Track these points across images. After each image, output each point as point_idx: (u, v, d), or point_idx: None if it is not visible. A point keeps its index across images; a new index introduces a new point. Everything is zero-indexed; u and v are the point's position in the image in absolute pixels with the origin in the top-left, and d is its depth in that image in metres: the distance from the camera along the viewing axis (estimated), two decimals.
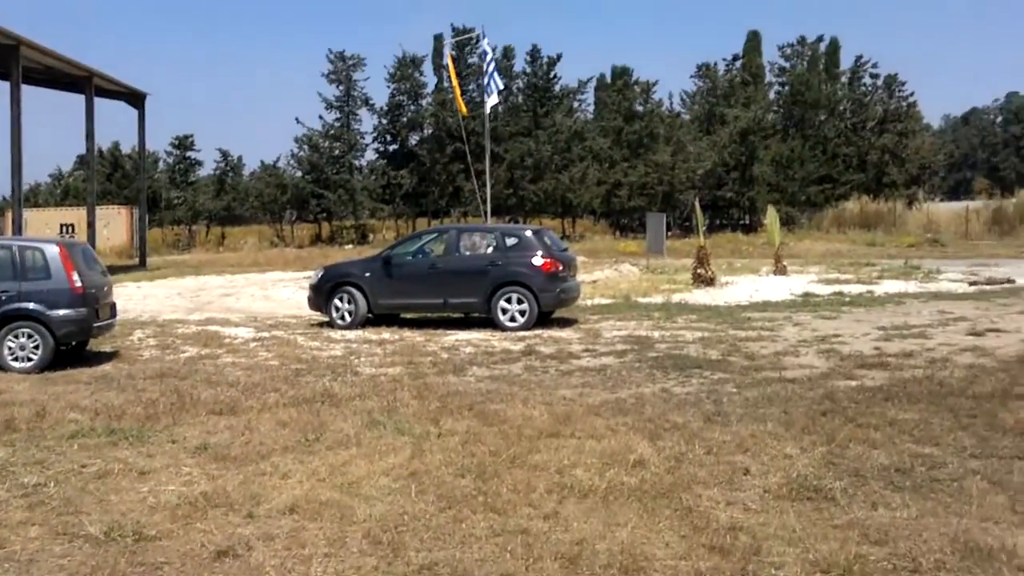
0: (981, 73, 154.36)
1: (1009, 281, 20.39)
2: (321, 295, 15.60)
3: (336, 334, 14.55)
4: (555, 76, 55.84)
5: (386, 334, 14.49)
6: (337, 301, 15.43)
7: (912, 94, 59.31)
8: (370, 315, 15.47)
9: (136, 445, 7.45)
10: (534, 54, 55.63)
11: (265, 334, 14.63)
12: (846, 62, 60.14)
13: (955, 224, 41.13)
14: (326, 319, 15.74)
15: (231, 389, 9.67)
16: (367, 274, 15.41)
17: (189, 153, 57.05)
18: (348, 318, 15.34)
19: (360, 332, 14.74)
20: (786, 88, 58.01)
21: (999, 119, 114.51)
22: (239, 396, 9.28)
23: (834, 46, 59.54)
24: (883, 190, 53.65)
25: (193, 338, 14.12)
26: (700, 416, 8.19)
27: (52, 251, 11.34)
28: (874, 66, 59.02)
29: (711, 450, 6.97)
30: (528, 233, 15.18)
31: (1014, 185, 63.44)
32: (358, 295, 15.27)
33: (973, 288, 19.50)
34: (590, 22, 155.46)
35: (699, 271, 21.84)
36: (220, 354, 12.45)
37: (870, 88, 59.53)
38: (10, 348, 11.19)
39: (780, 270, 24.27)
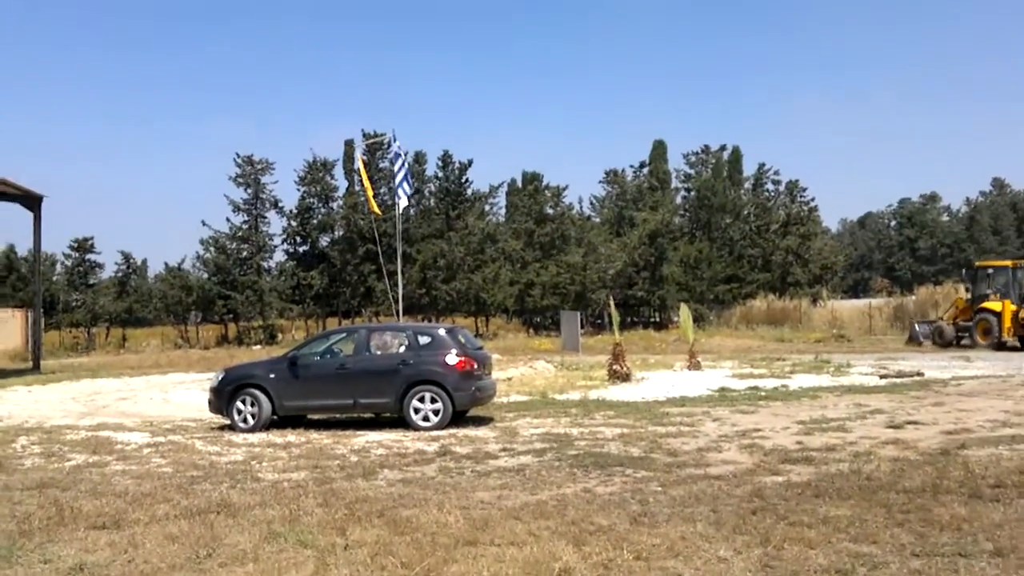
0: (875, 180, 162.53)
1: (919, 374, 20.68)
2: (222, 397, 14.91)
3: (238, 438, 13.84)
4: (467, 180, 56.63)
5: (292, 436, 13.77)
6: (239, 403, 14.75)
7: (813, 199, 61.84)
8: (275, 417, 14.81)
9: (3, 566, 6.62)
10: (446, 159, 56.43)
11: (161, 439, 13.82)
12: (749, 169, 62.78)
13: (859, 320, 42.10)
14: (227, 422, 15.04)
15: (118, 500, 8.89)
16: (272, 375, 14.81)
17: (89, 255, 55.47)
18: (251, 421, 14.67)
19: (264, 435, 14.03)
20: (692, 193, 59.82)
21: (893, 223, 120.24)
22: (125, 507, 8.49)
23: (736, 155, 62.33)
24: (788, 289, 55.01)
25: (82, 445, 13.20)
26: (626, 517, 7.73)
27: None
28: (776, 173, 62.11)
29: (641, 555, 6.50)
30: (442, 331, 14.95)
31: (911, 283, 66.29)
32: (262, 397, 14.65)
33: (884, 381, 19.59)
34: (501, 129, 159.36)
35: (615, 367, 21.70)
36: (109, 461, 11.61)
37: (773, 193, 62.09)
38: None
39: (694, 365, 24.28)
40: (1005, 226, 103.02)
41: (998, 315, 29.74)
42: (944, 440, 11.32)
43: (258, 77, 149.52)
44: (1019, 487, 8.37)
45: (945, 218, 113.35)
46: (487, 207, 59.19)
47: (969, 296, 32.43)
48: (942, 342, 31.94)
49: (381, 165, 54.22)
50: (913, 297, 45.68)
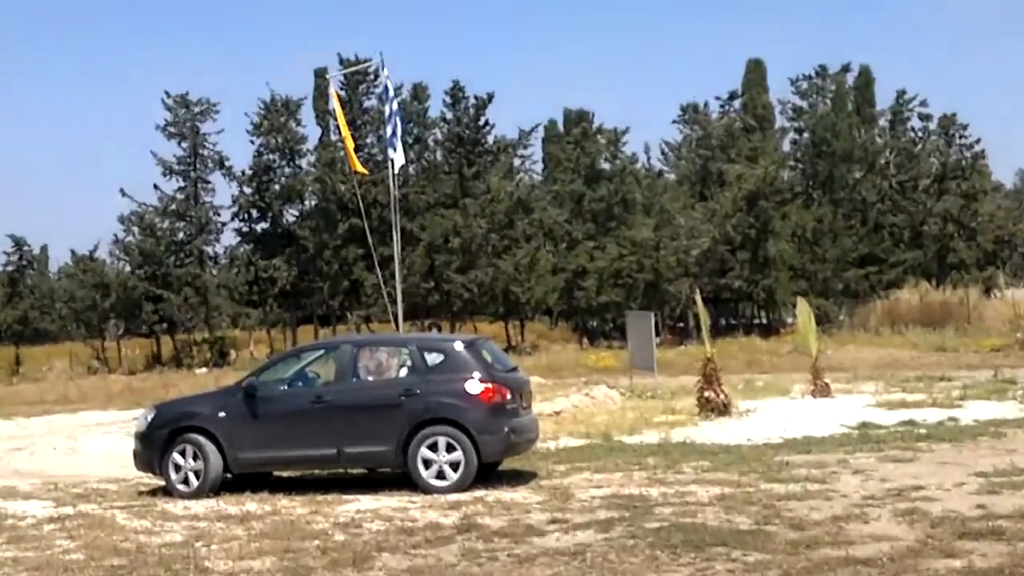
0: None
1: None
2: (153, 448, 14.84)
3: (176, 507, 13.75)
4: (487, 124, 56.80)
5: (251, 504, 13.65)
6: (177, 456, 14.65)
7: (978, 141, 60.66)
8: (228, 475, 14.74)
9: None
10: (456, 94, 56.52)
11: (68, 510, 13.72)
12: (883, 99, 62.11)
13: None
14: (162, 483, 15.03)
15: None
16: (221, 414, 14.69)
17: None
18: (194, 481, 14.59)
19: (212, 501, 13.96)
20: (805, 135, 59.79)
21: None
22: None
23: (866, 78, 61.60)
24: (949, 273, 54.99)
25: None
26: None
27: None
28: (923, 104, 60.91)
29: None
30: (458, 346, 14.87)
31: None
32: (208, 446, 14.51)
33: None
34: (532, 51, 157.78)
35: (707, 394, 21.47)
36: None
37: (920, 134, 61.57)
38: None
39: (821, 390, 24.04)
40: None
41: None
42: None
43: None
44: None
45: None
46: (517, 161, 59.43)
47: None
48: None
49: (366, 104, 54.87)
50: None
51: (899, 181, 59.01)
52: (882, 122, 62.11)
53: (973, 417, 19.19)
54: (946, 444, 16.14)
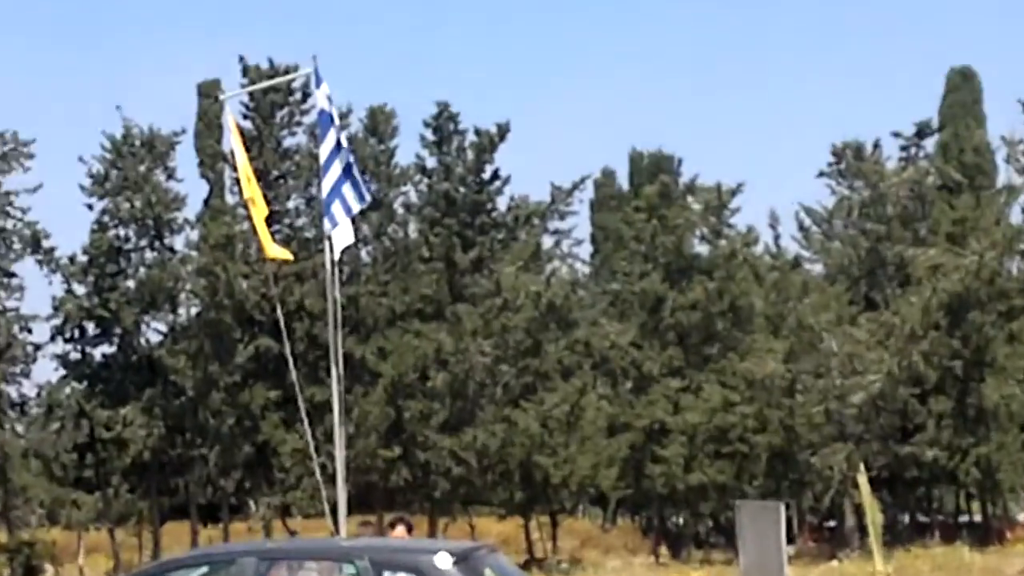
0: None
1: None
2: None
3: None
4: (496, 177, 53.70)
5: None
6: None
7: None
8: None
9: None
10: (442, 125, 53.68)
11: None
12: None
13: None
14: None
15: None
16: None
17: None
18: None
19: None
20: None
21: None
22: None
23: None
24: None
25: None
26: None
27: None
28: None
29: None
30: (442, 562, 11.49)
31: None
32: None
33: None
34: (570, 61, 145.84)
35: None
36: None
37: None
38: None
39: None
40: None
41: None
42: None
43: None
44: None
45: None
46: (547, 240, 55.38)
47: None
48: None
49: (287, 143, 51.85)
50: None
51: None
52: None
53: None
54: None
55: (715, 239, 51.32)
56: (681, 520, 52.42)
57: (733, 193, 52.05)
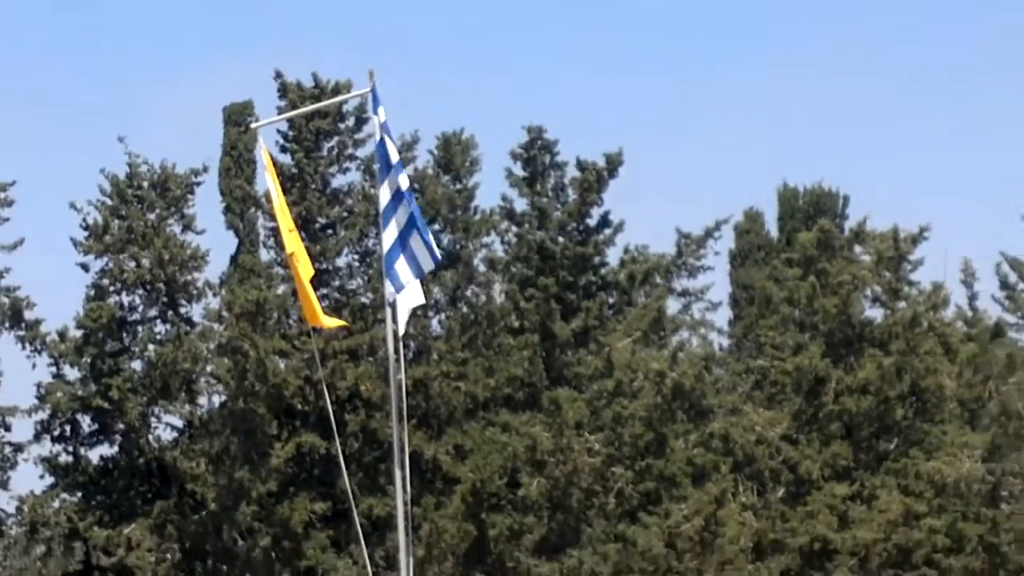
0: None
1: None
2: None
3: None
4: (606, 224, 43.74)
5: None
6: None
7: None
8: None
9: None
10: (535, 157, 43.79)
11: None
12: None
13: None
14: None
15: None
16: None
17: None
18: None
19: None
20: None
21: None
22: None
23: None
24: None
25: None
26: None
27: None
28: None
29: None
30: None
31: None
32: None
33: None
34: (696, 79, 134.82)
35: None
36: None
37: None
38: None
39: None
40: None
41: None
42: None
43: None
44: None
45: None
46: (673, 304, 46.05)
47: None
48: None
49: (335, 183, 43.67)
50: None
51: None
52: None
53: None
54: None
55: (892, 301, 41.03)
56: None
57: (915, 240, 41.06)
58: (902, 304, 41.21)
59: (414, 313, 23.82)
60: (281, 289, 41.65)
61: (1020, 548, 37.20)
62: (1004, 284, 45.35)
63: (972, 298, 44.42)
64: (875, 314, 42.37)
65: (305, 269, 18.29)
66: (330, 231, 43.30)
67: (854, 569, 37.71)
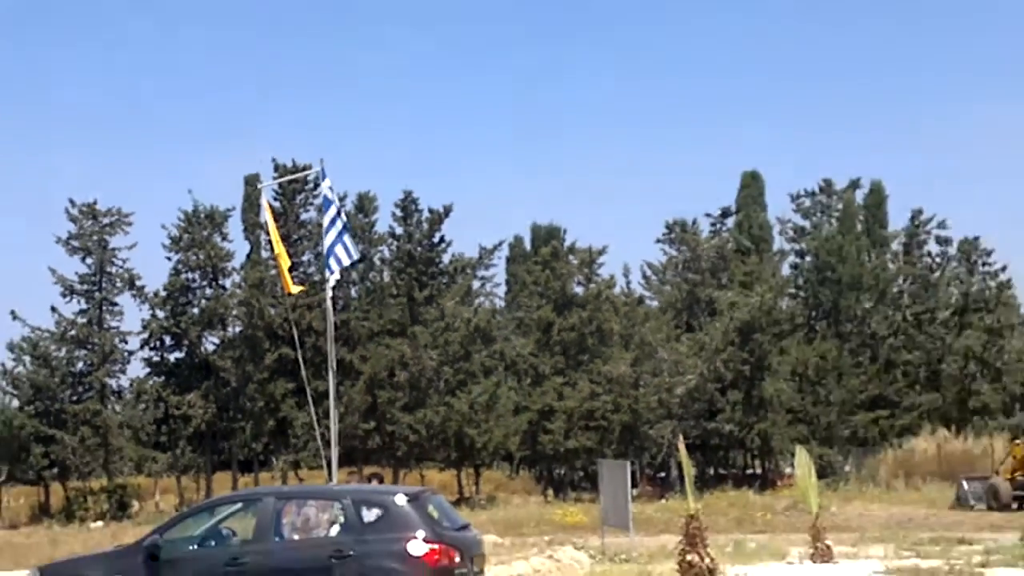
0: None
1: None
2: None
3: None
4: (442, 241, 57.67)
5: None
6: None
7: (1004, 268, 61.56)
8: None
9: None
10: (407, 206, 57.25)
11: None
12: (896, 220, 63.41)
13: None
14: None
15: None
16: None
17: None
18: None
19: None
20: (807, 259, 60.62)
21: None
22: None
23: (877, 196, 62.98)
24: (971, 419, 54.74)
25: None
26: None
27: None
28: (941, 226, 61.79)
29: None
30: (400, 500, 14.56)
31: None
32: None
33: None
34: (495, 161, 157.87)
35: (690, 557, 20.48)
36: None
37: (938, 260, 62.29)
38: None
39: (822, 553, 23.53)
40: None
41: None
42: None
43: (102, 80, 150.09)
44: None
45: None
46: (476, 283, 59.71)
47: None
48: (996, 503, 39.10)
49: (303, 217, 55.29)
50: None
51: (914, 313, 59.48)
52: (895, 246, 63.24)
53: None
54: None
55: (586, 284, 56.66)
56: (562, 472, 55.66)
57: (600, 253, 57.61)
58: (592, 285, 55.99)
59: (338, 284, 33.89)
60: (273, 272, 50.31)
61: (648, 411, 51.90)
62: (644, 276, 61.74)
63: (628, 283, 59.63)
64: (579, 290, 56.46)
65: (283, 262, 28.76)
66: (298, 242, 54.21)
67: (564, 421, 51.81)
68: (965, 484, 41.52)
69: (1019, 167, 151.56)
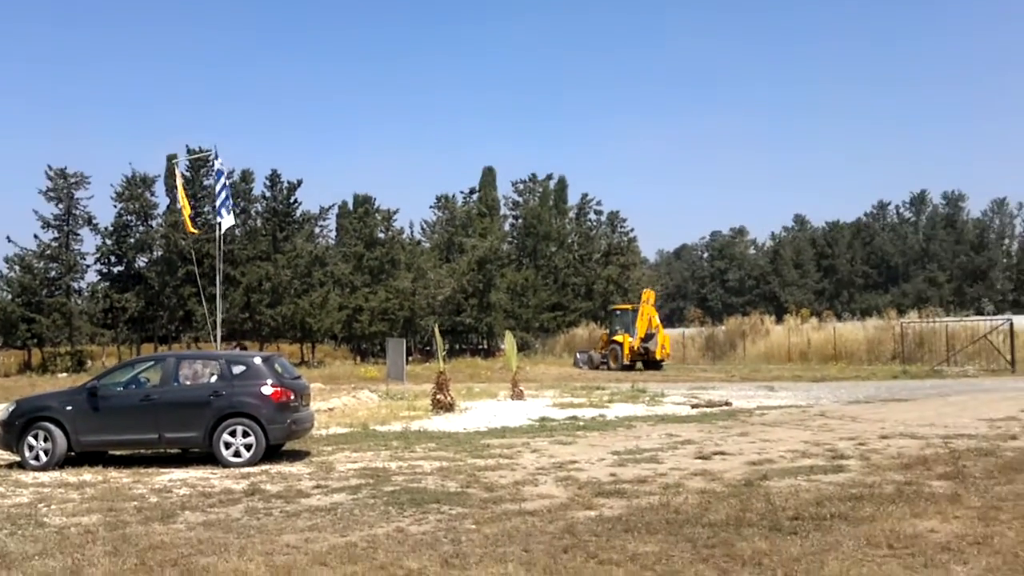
0: (689, 213, 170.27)
1: (726, 404, 21.37)
2: (12, 432, 13.62)
3: (27, 477, 12.65)
4: (296, 201, 56.09)
5: (88, 475, 12.66)
6: (31, 439, 13.50)
7: (632, 230, 64.06)
8: (71, 453, 13.61)
9: None
10: (273, 178, 55.68)
11: None
12: (573, 199, 64.73)
13: (673, 349, 42.43)
14: (18, 459, 13.76)
15: None
16: (68, 407, 13.58)
17: None
18: (43, 458, 13.44)
19: (57, 474, 12.89)
20: (520, 221, 61.40)
21: (706, 255, 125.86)
22: None
23: (563, 184, 64.25)
24: (605, 318, 56.39)
25: None
26: (437, 559, 7.45)
27: None
28: (598, 204, 64.35)
29: None
30: (257, 360, 13.97)
31: (722, 314, 68.87)
32: (56, 431, 13.41)
33: (695, 411, 19.93)
34: (333, 151, 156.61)
35: (438, 397, 21.10)
36: None
37: (595, 223, 63.92)
38: None
39: (517, 395, 24.19)
40: (806, 260, 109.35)
41: (621, 345, 39.00)
42: (748, 471, 11.55)
43: (77, 89, 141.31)
44: (815, 519, 8.56)
45: (752, 251, 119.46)
46: (316, 229, 58.74)
47: (608, 331, 41.64)
48: (592, 366, 40.17)
49: (205, 183, 52.66)
50: (723, 327, 47.39)
51: (580, 254, 60.91)
52: (571, 214, 63.94)
53: (615, 414, 19.49)
54: (595, 432, 16.33)
55: (386, 232, 55.85)
56: (366, 346, 55.72)
57: (394, 213, 56.45)
58: (389, 232, 54.61)
59: (228, 229, 32.08)
60: (182, 218, 43.89)
61: (421, 310, 50.21)
62: (423, 230, 60.49)
63: (412, 232, 58.24)
64: (382, 236, 54.61)
65: (187, 213, 31.15)
66: (202, 199, 52.46)
67: (369, 315, 50.06)
68: (578, 355, 42.74)
69: (654, 175, 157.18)
